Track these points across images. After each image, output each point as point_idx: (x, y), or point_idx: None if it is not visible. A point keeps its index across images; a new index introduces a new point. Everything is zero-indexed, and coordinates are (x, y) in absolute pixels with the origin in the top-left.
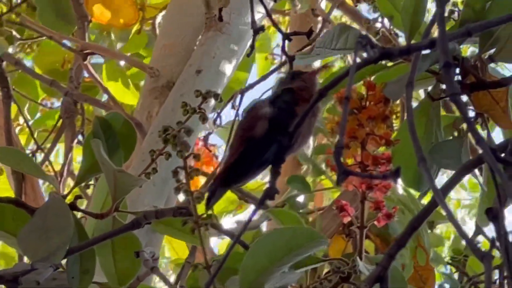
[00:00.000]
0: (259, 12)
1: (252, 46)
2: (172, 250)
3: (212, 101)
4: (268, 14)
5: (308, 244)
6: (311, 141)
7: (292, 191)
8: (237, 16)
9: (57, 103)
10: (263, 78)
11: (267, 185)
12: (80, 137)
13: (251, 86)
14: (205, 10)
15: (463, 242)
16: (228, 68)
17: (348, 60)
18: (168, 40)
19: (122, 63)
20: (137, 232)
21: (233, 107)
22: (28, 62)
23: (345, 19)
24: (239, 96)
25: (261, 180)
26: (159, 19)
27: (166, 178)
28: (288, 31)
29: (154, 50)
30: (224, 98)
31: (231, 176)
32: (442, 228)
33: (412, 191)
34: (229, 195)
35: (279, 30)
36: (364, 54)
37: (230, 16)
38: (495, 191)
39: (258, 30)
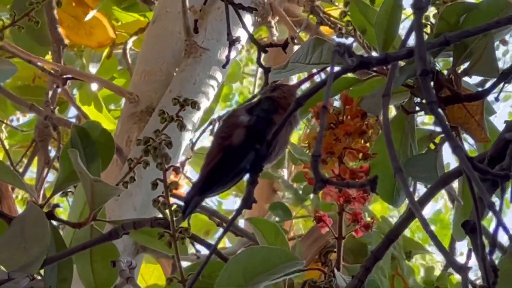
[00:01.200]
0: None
1: (228, 58)
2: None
3: (190, 128)
4: (244, 27)
5: (283, 265)
6: (291, 169)
7: (269, 218)
8: (216, 42)
9: (23, 119)
10: (246, 102)
11: (245, 194)
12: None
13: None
14: (184, 37)
15: (435, 273)
16: (208, 94)
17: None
18: (147, 66)
19: (93, 87)
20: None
21: (211, 133)
22: None
23: None
24: (217, 123)
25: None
26: (129, 44)
27: (147, 202)
28: (266, 61)
29: (134, 76)
30: (204, 121)
31: (207, 184)
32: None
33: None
34: (197, 220)
35: (255, 43)
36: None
37: (209, 42)
38: (473, 203)
39: (234, 41)
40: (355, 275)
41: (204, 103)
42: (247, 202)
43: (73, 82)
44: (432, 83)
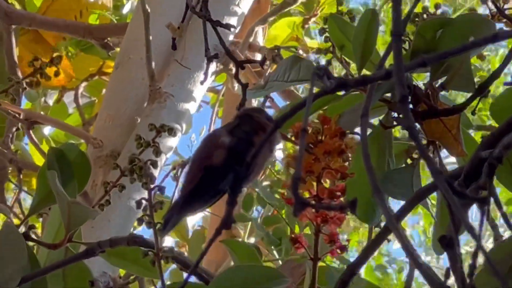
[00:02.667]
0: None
1: (206, 74)
2: None
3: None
4: (222, 43)
5: (268, 283)
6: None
7: (229, 263)
8: (180, 88)
9: None
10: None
11: (224, 215)
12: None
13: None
14: (149, 83)
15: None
16: (172, 142)
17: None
18: (111, 110)
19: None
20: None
21: (174, 178)
22: None
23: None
24: (180, 168)
25: None
26: (81, 89)
27: (127, 217)
28: (223, 109)
29: (97, 121)
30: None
31: (187, 203)
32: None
33: None
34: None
35: (233, 58)
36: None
37: (173, 88)
38: (450, 220)
39: (211, 57)
40: None
41: (170, 150)
42: (226, 222)
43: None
44: (409, 97)
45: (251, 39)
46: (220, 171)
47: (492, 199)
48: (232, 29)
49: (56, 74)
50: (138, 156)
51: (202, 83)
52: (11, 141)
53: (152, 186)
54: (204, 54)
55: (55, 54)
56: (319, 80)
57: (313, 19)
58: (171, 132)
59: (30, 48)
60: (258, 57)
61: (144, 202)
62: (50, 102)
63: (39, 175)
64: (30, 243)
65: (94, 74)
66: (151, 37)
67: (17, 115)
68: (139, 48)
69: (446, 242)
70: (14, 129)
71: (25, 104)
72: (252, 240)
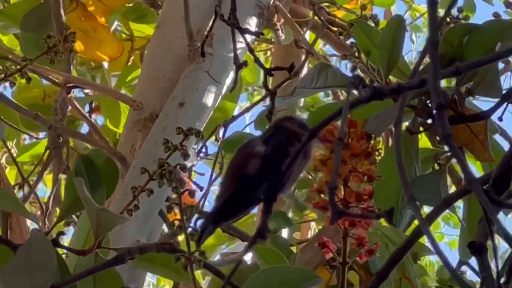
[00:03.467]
0: (241, 42)
1: (235, 81)
2: None
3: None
4: (250, 50)
5: (303, 283)
6: None
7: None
8: (220, 47)
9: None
10: (246, 110)
11: (259, 224)
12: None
13: (234, 118)
14: (188, 42)
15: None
16: (211, 101)
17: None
18: (150, 72)
19: None
20: (119, 268)
21: (216, 139)
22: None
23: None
24: (223, 128)
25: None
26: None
27: (148, 212)
28: (272, 61)
29: (137, 83)
30: (208, 129)
31: (222, 213)
32: (425, 260)
33: None
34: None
35: (261, 66)
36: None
37: (213, 47)
38: (481, 227)
39: (240, 65)
40: None
41: (208, 109)
42: (262, 232)
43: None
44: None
45: None
46: (255, 180)
47: None
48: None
49: (71, 51)
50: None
51: (231, 91)
52: (62, 110)
53: (182, 190)
54: (246, 13)
55: (69, 31)
56: (355, 89)
57: None
58: (199, 135)
59: (78, 25)
60: (303, 9)
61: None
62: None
63: (67, 182)
64: (60, 250)
65: None
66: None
67: (56, 79)
68: (180, 7)
69: (475, 248)
70: (62, 97)
71: None
72: None
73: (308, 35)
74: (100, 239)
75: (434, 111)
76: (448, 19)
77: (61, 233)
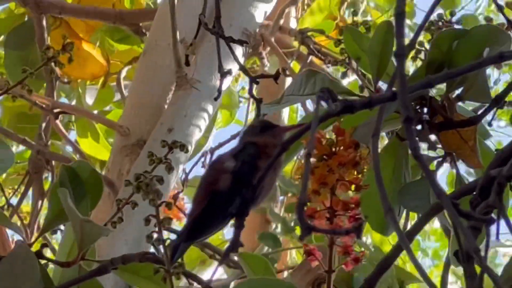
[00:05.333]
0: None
1: (219, 91)
2: None
3: (183, 158)
4: (236, 59)
5: None
6: (279, 199)
7: (262, 249)
8: (207, 75)
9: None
10: (233, 137)
11: (232, 238)
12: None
13: (221, 144)
14: (175, 69)
15: None
16: (199, 126)
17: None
18: (138, 98)
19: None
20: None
21: (203, 165)
22: None
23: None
24: (209, 155)
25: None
26: (123, 73)
27: (138, 238)
28: (257, 92)
29: (124, 108)
30: (195, 154)
31: (195, 230)
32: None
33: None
34: (192, 251)
35: (247, 73)
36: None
37: (200, 74)
38: (457, 241)
39: (225, 73)
40: None
41: (196, 135)
42: (234, 246)
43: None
44: (425, 110)
45: (282, 21)
46: (227, 195)
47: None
48: (244, 45)
49: (70, 60)
50: (144, 173)
51: (216, 99)
52: (45, 134)
53: (159, 202)
54: (232, 38)
55: (66, 41)
56: (324, 103)
57: None
58: (183, 148)
59: (61, 42)
60: (288, 39)
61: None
62: (90, 101)
63: (51, 193)
64: (44, 261)
65: (137, 57)
66: (178, 23)
67: (44, 105)
68: (166, 34)
69: (462, 257)
70: (47, 118)
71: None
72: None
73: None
74: (84, 251)
75: (402, 123)
76: (440, 23)
77: (45, 244)
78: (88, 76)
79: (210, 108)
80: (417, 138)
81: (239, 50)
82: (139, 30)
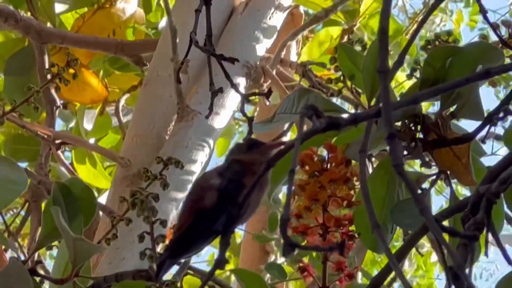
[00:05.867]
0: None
1: (211, 108)
2: None
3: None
4: (227, 76)
5: None
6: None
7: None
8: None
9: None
10: None
11: (217, 256)
12: None
13: None
14: (177, 100)
15: None
16: (200, 157)
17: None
18: (139, 129)
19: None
20: None
21: None
22: None
23: None
24: None
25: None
26: (122, 101)
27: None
28: (256, 119)
29: (126, 139)
30: None
31: (180, 246)
32: None
33: None
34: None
35: (238, 91)
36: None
37: (201, 106)
38: (441, 258)
39: (216, 92)
40: None
41: (197, 166)
42: (220, 263)
43: None
44: (419, 127)
45: (283, 54)
46: (213, 213)
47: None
48: (236, 62)
49: (74, 76)
50: (141, 190)
51: (207, 117)
52: (45, 163)
53: (154, 219)
54: (233, 73)
55: (70, 58)
56: (309, 120)
57: (354, 28)
58: (178, 164)
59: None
60: (289, 72)
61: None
62: (89, 126)
63: (44, 211)
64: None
65: (136, 86)
66: (179, 54)
67: (46, 136)
68: (167, 65)
69: (453, 274)
70: (47, 149)
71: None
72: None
73: None
74: (78, 268)
75: (385, 140)
76: (437, 42)
77: (39, 261)
78: (87, 100)
79: (211, 140)
80: (404, 155)
81: (241, 81)
82: (140, 61)
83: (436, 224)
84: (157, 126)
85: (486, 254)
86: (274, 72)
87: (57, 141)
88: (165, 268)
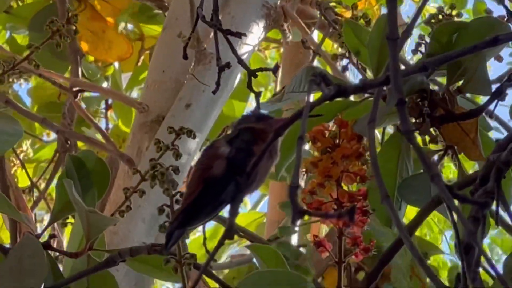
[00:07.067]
0: (248, 45)
1: (218, 83)
2: None
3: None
4: (233, 50)
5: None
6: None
7: (287, 222)
8: (226, 49)
9: (54, 134)
10: None
11: (226, 225)
12: None
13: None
14: (194, 44)
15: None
16: (218, 102)
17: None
18: (157, 75)
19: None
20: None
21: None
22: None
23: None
24: (230, 129)
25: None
26: None
27: (156, 215)
28: (281, 62)
29: (144, 86)
30: (218, 128)
31: (188, 216)
32: (439, 259)
33: None
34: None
35: (245, 67)
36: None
37: (221, 49)
38: (452, 222)
39: (223, 67)
40: None
41: (215, 110)
42: (229, 232)
43: None
44: (426, 103)
45: None
46: (221, 182)
47: None
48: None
49: (75, 33)
50: (159, 162)
51: (214, 93)
52: (69, 113)
53: (174, 192)
54: (252, 14)
55: (70, 13)
56: (317, 88)
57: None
58: (190, 134)
59: (87, 26)
60: (310, 10)
61: (166, 208)
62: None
63: (57, 184)
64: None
65: None
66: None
67: (63, 84)
68: (186, 9)
69: (464, 246)
70: (69, 101)
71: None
72: None
73: (317, 35)
74: (92, 241)
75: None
76: (440, 16)
77: (53, 235)
78: (114, 58)
79: (229, 83)
80: (414, 128)
81: (260, 22)
82: (163, 5)
83: (448, 191)
84: (175, 71)
85: (496, 223)
86: (294, 11)
87: (75, 89)
88: (174, 237)
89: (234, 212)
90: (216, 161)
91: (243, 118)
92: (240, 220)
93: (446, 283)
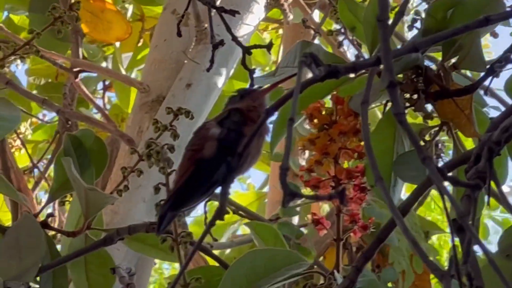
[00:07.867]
0: (249, 25)
1: (212, 61)
2: None
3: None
4: (228, 28)
5: (288, 267)
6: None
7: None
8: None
9: (50, 115)
10: None
11: (218, 206)
12: None
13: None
14: (195, 23)
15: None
16: (218, 81)
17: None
18: (158, 54)
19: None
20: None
21: None
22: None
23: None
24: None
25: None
26: None
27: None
28: (282, 41)
29: (145, 65)
30: (219, 109)
31: (180, 198)
32: (441, 239)
33: None
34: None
35: (239, 44)
36: None
37: (219, 27)
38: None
39: (217, 44)
40: (346, 275)
41: (216, 90)
42: (220, 213)
43: None
44: (421, 79)
45: None
46: (212, 163)
47: None
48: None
49: (76, 20)
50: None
51: (208, 70)
52: (69, 93)
53: (169, 170)
54: (224, 8)
55: (73, 0)
56: (308, 68)
57: None
58: (188, 115)
59: (86, 6)
60: None
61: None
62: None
63: (55, 162)
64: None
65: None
66: None
67: (64, 64)
68: None
69: (457, 227)
70: (70, 82)
71: None
72: None
73: (318, 15)
74: (90, 220)
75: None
76: None
77: (51, 214)
78: (113, 39)
79: (229, 63)
80: (407, 106)
81: (261, 2)
82: None
83: (438, 173)
84: (176, 50)
85: (488, 203)
86: None
87: (75, 69)
88: (166, 219)
89: (225, 193)
90: (207, 142)
91: (230, 99)
92: (241, 200)
93: (447, 262)
